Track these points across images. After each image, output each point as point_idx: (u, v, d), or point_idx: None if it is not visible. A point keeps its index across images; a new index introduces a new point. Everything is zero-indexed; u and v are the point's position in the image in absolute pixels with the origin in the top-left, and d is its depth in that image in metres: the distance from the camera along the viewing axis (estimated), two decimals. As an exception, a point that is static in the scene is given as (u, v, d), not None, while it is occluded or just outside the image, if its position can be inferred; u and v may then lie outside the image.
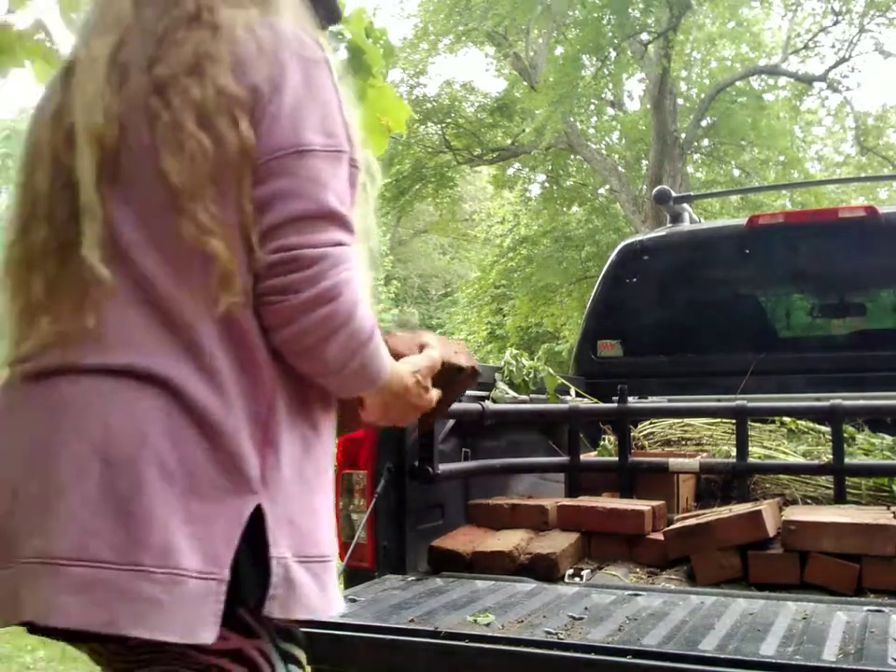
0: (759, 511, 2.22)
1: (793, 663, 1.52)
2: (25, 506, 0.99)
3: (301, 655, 1.11)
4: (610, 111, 18.87)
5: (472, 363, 1.44)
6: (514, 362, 3.07)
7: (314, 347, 1.03)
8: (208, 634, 0.96)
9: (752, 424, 2.90)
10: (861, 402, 2.78)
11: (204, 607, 0.96)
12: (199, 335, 1.01)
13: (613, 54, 15.09)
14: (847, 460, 2.55)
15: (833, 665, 1.49)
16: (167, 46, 1.05)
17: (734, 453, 2.71)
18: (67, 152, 1.05)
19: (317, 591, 1.06)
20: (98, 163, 1.03)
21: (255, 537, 1.01)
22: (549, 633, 1.72)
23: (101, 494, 0.95)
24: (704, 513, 2.44)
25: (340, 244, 1.03)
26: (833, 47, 16.31)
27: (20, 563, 0.97)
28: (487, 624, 1.78)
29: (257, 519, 1.01)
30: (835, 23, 15.94)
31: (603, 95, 17.69)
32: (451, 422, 2.67)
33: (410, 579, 2.26)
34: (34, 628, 1.00)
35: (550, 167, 19.11)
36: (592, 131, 18.84)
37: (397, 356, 1.21)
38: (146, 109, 1.03)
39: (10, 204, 1.13)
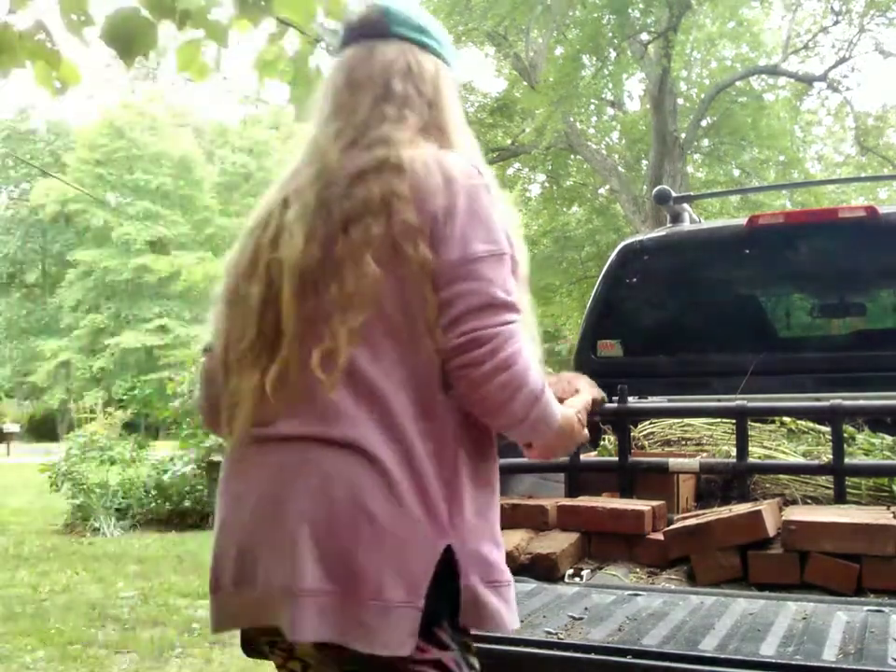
0: (759, 511, 2.22)
1: (793, 663, 1.52)
2: (263, 544, 1.29)
3: (477, 664, 1.37)
4: (610, 111, 18.87)
5: (602, 394, 1.74)
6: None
7: (499, 407, 1.31)
8: (406, 649, 1.24)
9: (752, 424, 2.90)
10: (861, 402, 2.78)
11: (404, 628, 1.24)
12: (398, 416, 1.29)
13: (613, 54, 15.08)
14: (846, 460, 2.55)
15: (833, 666, 1.49)
16: (359, 185, 1.35)
17: (734, 453, 2.71)
18: (279, 275, 1.35)
19: (504, 609, 1.35)
20: (299, 286, 1.34)
21: (449, 570, 1.29)
22: (549, 633, 1.72)
23: (327, 541, 1.25)
24: (704, 513, 2.44)
25: (509, 322, 1.30)
26: (833, 47, 16.33)
27: (264, 588, 1.28)
28: None
29: (449, 556, 1.29)
30: (835, 23, 15.95)
31: (603, 95, 17.69)
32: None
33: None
34: (249, 647, 1.45)
35: (550, 167, 19.11)
36: (592, 131, 18.84)
37: (559, 401, 1.44)
38: (338, 240, 1.33)
39: (226, 300, 1.44)
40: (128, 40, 2.62)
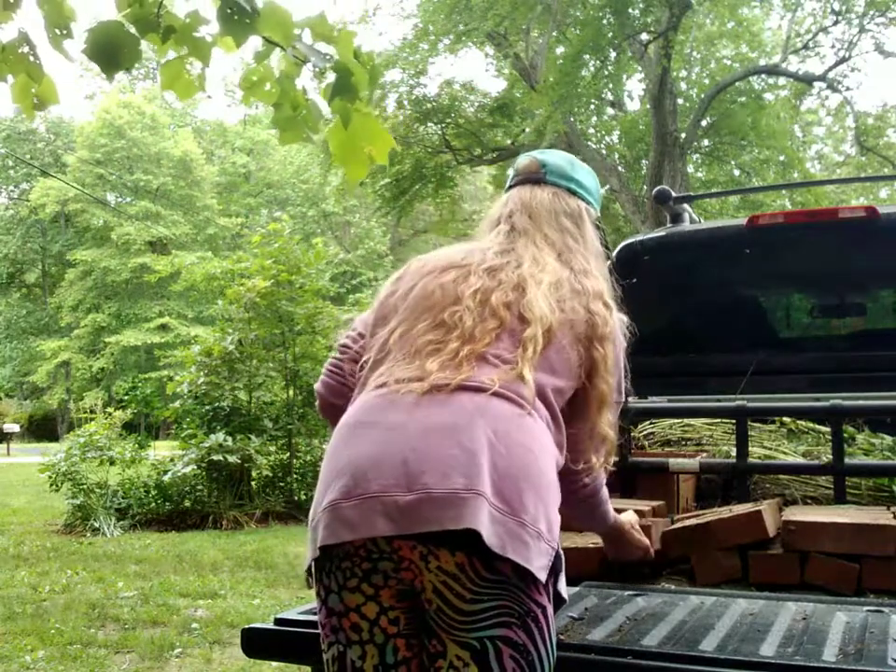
0: (759, 511, 2.22)
1: (793, 663, 1.52)
2: (444, 458, 1.43)
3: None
4: (610, 111, 18.87)
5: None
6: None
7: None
8: (543, 576, 1.43)
9: (752, 424, 2.90)
10: (861, 402, 2.78)
11: (545, 559, 1.44)
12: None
13: (613, 54, 15.08)
14: (847, 460, 2.55)
15: (833, 666, 1.49)
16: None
17: (734, 453, 2.71)
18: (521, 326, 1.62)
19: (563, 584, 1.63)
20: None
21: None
22: (549, 633, 1.72)
23: (506, 464, 1.44)
24: (704, 513, 2.44)
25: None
26: (833, 47, 16.32)
27: (441, 491, 1.40)
28: None
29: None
30: (835, 23, 15.94)
31: (603, 95, 17.69)
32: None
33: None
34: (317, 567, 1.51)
35: (550, 167, 19.07)
36: (592, 131, 18.84)
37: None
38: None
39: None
40: (111, 54, 2.59)
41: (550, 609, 1.48)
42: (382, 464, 1.44)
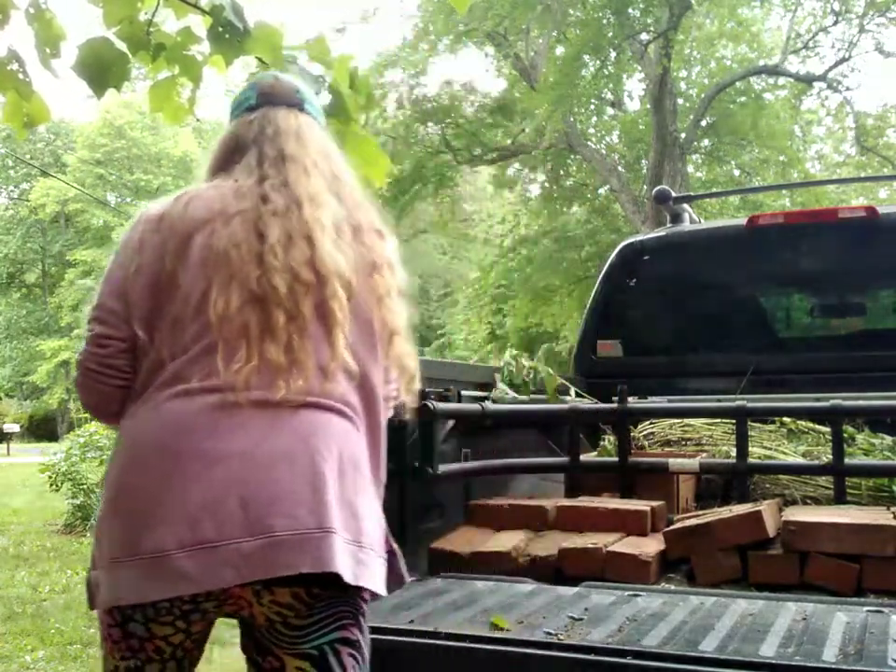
0: (759, 512, 2.22)
1: (793, 663, 1.52)
2: (286, 494, 1.34)
3: None
4: (610, 111, 18.86)
5: None
6: (514, 362, 3.07)
7: None
8: (385, 591, 1.45)
9: (752, 424, 2.90)
10: (861, 402, 2.78)
11: (383, 570, 1.45)
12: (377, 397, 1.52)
13: (613, 54, 15.08)
14: (846, 460, 2.55)
15: (833, 666, 1.49)
16: None
17: (734, 453, 2.71)
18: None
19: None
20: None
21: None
22: (549, 633, 1.72)
23: (347, 491, 1.40)
24: (704, 513, 2.44)
25: None
26: (833, 47, 16.32)
27: (290, 533, 1.31)
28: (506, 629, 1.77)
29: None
30: (835, 23, 15.93)
31: (603, 95, 17.68)
32: (451, 422, 2.67)
33: (410, 579, 2.26)
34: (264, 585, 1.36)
35: (550, 167, 19.10)
36: (592, 131, 18.82)
37: None
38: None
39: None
40: (100, 72, 2.55)
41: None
42: (217, 508, 1.30)
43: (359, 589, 1.40)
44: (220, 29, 2.48)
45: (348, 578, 1.33)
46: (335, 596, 1.38)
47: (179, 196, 1.53)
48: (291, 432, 1.37)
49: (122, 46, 2.58)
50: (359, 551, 1.37)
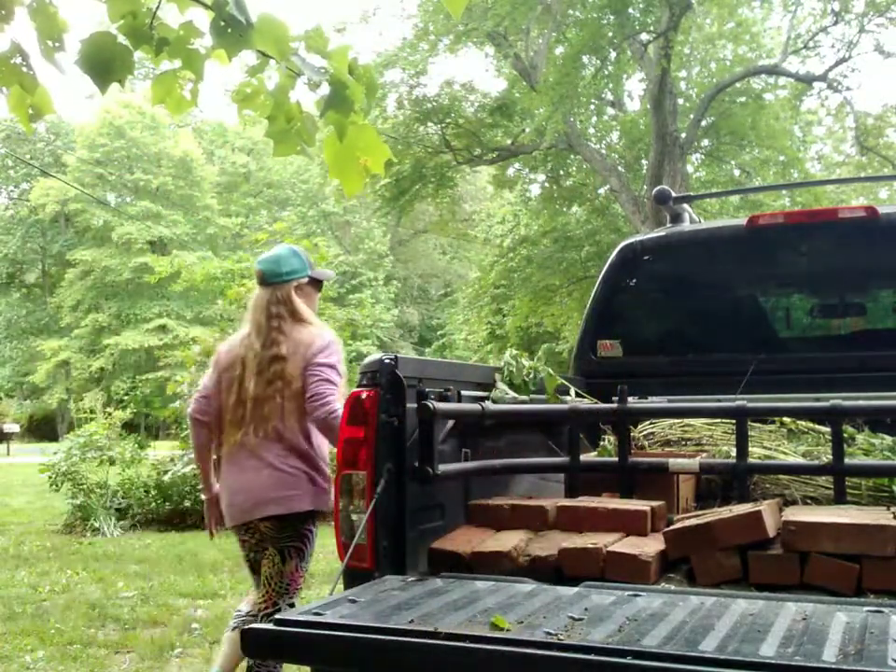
0: (759, 512, 2.22)
1: (793, 664, 1.52)
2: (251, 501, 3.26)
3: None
4: (610, 111, 18.87)
5: None
6: (514, 362, 3.07)
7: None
8: (309, 520, 3.30)
9: (752, 424, 2.90)
10: (861, 402, 2.78)
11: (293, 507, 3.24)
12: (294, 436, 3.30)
13: (613, 54, 15.08)
14: (846, 460, 2.55)
15: (833, 667, 1.49)
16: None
17: (734, 453, 2.71)
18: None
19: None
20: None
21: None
22: (549, 633, 1.72)
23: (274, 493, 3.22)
24: (704, 513, 2.44)
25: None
26: (833, 47, 16.32)
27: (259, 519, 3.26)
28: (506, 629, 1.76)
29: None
30: (835, 23, 15.93)
31: (603, 95, 17.69)
32: (451, 422, 2.67)
33: (410, 579, 2.26)
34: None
35: (550, 167, 19.11)
36: (592, 131, 18.83)
37: None
38: None
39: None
40: (104, 66, 2.56)
41: (313, 529, 3.26)
42: (238, 492, 3.26)
43: (290, 516, 3.17)
44: (223, 23, 2.47)
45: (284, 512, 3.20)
46: (291, 524, 3.20)
47: None
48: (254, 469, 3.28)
49: (125, 40, 2.59)
50: (278, 504, 3.17)
